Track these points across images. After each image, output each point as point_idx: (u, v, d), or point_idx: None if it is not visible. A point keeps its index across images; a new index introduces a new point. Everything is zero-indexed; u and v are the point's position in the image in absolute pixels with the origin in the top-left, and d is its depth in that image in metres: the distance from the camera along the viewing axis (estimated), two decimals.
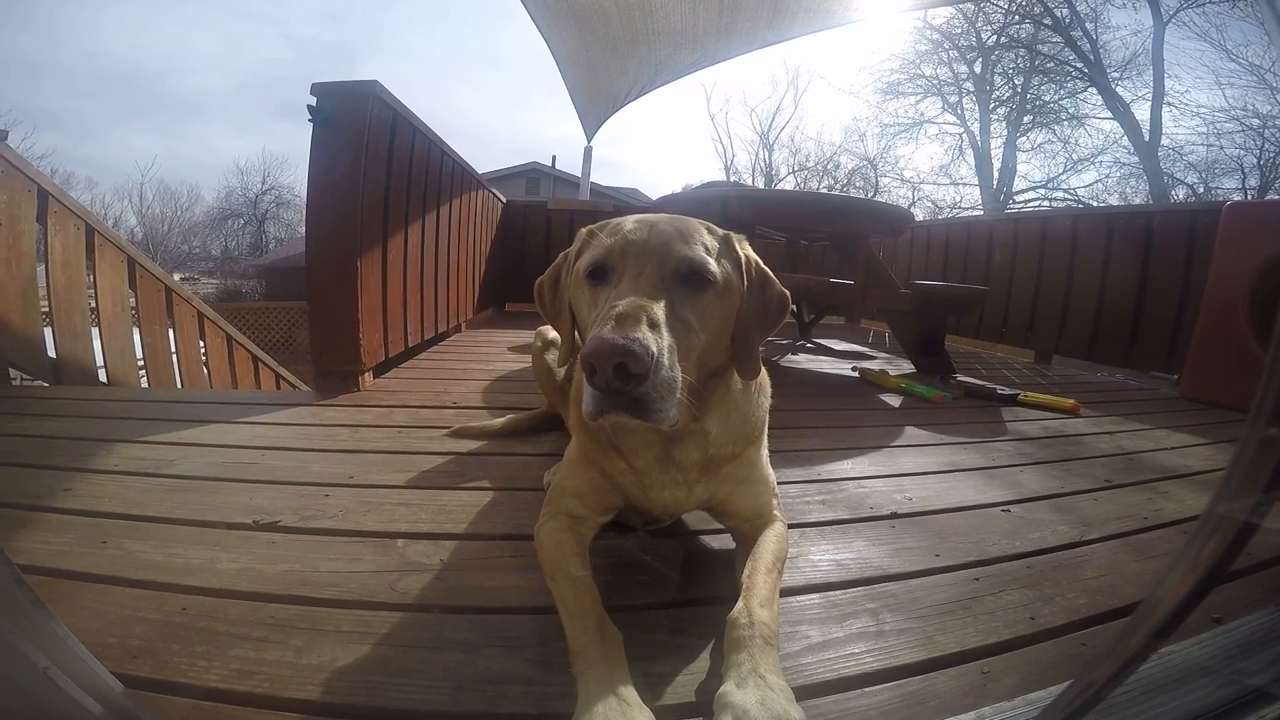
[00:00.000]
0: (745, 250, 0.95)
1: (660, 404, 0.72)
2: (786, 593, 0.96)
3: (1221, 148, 16.78)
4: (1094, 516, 1.38)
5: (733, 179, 25.62)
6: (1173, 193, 17.34)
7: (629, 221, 0.89)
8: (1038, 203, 20.54)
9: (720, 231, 0.94)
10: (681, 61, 8.00)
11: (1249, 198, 15.01)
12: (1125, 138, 18.27)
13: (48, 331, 2.52)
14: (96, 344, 2.76)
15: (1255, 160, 16.34)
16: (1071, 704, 0.51)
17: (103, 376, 2.76)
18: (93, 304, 2.84)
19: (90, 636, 0.75)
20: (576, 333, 0.97)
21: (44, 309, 2.54)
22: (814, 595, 0.99)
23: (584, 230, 0.96)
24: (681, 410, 0.76)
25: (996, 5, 18.37)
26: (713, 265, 0.85)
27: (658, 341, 0.72)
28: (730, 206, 2.89)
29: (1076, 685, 0.51)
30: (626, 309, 0.73)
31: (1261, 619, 0.88)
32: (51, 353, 2.49)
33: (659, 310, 0.75)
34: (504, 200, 5.37)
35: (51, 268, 2.56)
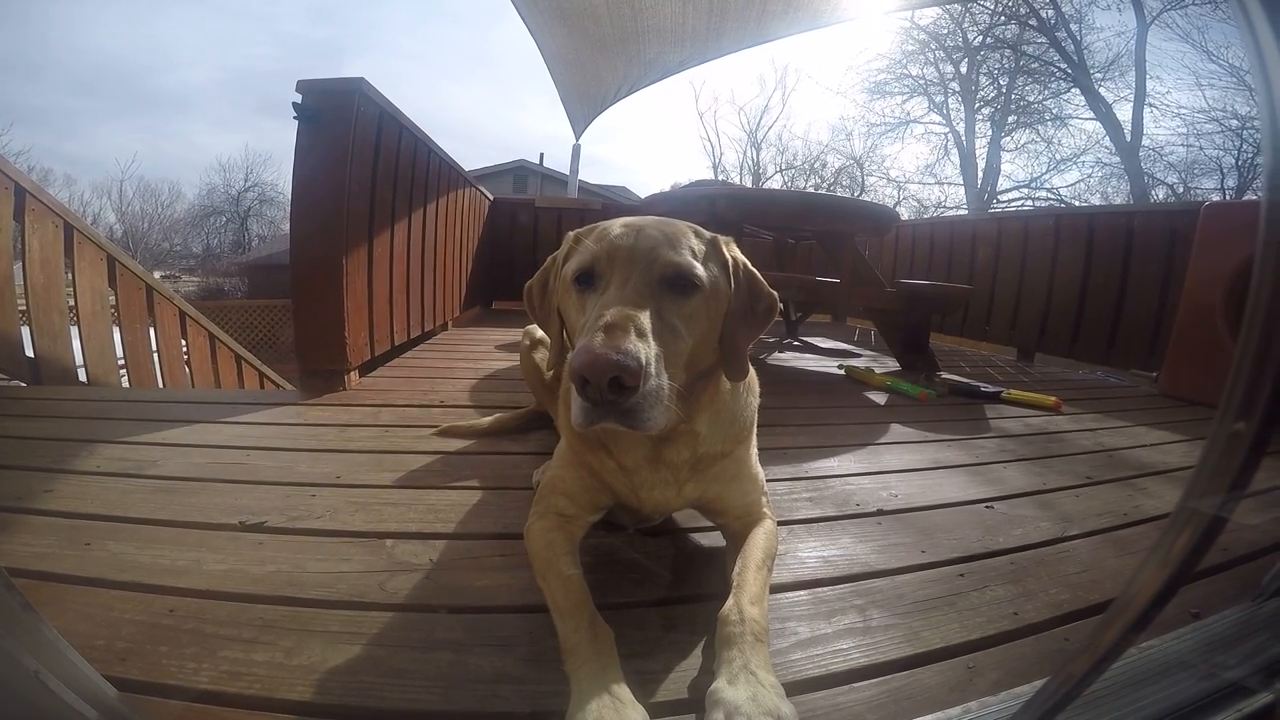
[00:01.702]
0: (732, 252, 0.95)
1: (649, 412, 0.73)
2: (775, 589, 0.97)
3: (1201, 148, 17.15)
4: (1075, 513, 1.41)
5: (721, 177, 25.66)
6: (1153, 193, 17.66)
7: (615, 226, 0.89)
8: (1021, 202, 20.81)
9: (707, 234, 0.94)
10: (670, 60, 8.00)
11: (1227, 198, 15.31)
12: (1107, 138, 18.58)
13: (25, 330, 2.48)
14: (76, 343, 2.71)
15: (1234, 161, 16.71)
16: (1050, 698, 0.52)
17: (82, 376, 2.71)
18: (72, 302, 2.79)
19: (77, 639, 0.74)
20: (566, 335, 0.98)
21: (21, 308, 2.50)
22: (802, 592, 1.00)
23: (571, 234, 0.96)
24: (668, 415, 0.77)
25: (983, 6, 18.55)
26: (699, 270, 0.86)
27: (646, 351, 0.73)
28: (718, 205, 2.90)
29: (1055, 680, 0.52)
30: (614, 319, 0.74)
31: (1238, 614, 0.90)
32: (30, 352, 2.45)
33: (646, 319, 0.76)
34: (491, 198, 5.34)
35: (29, 266, 2.51)
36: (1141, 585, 0.45)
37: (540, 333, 1.54)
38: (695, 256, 0.87)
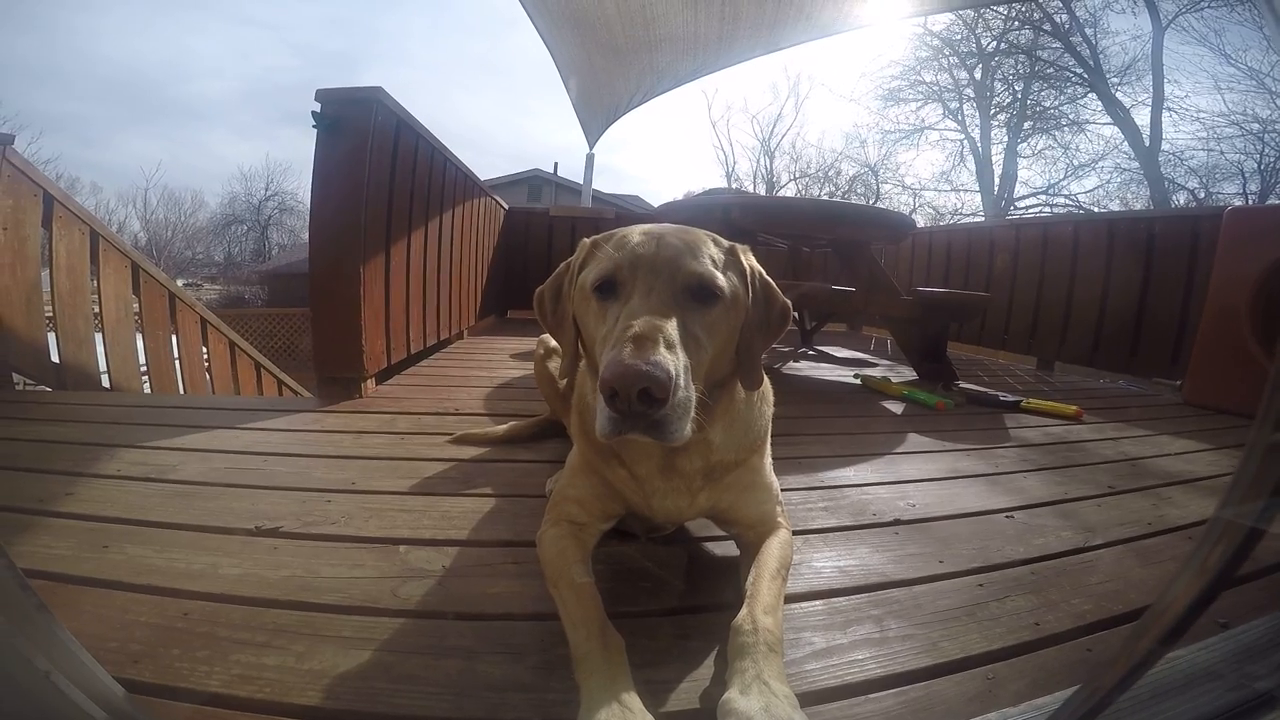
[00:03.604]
0: (749, 261, 0.94)
1: (677, 424, 0.73)
2: (790, 599, 0.96)
3: (1222, 153, 16.88)
4: (1098, 522, 1.38)
5: (734, 186, 25.69)
6: (1174, 198, 17.40)
7: (635, 234, 0.89)
8: (1039, 209, 20.58)
9: (725, 243, 0.94)
10: (683, 68, 8.04)
11: (1250, 203, 15.04)
12: (1126, 143, 18.38)
13: (51, 336, 2.53)
14: (100, 349, 2.77)
15: (1256, 165, 16.43)
16: (1079, 709, 0.50)
17: (105, 381, 2.77)
18: (96, 309, 2.85)
19: (92, 641, 0.75)
20: (580, 344, 0.97)
21: (48, 314, 2.55)
22: (818, 601, 0.99)
23: (587, 241, 0.96)
24: (693, 426, 0.76)
25: (996, 11, 18.44)
26: (721, 279, 0.85)
27: (675, 363, 0.72)
28: (732, 214, 2.90)
29: (1084, 690, 0.51)
30: (644, 330, 0.73)
31: (1268, 623, 0.88)
32: (55, 357, 2.50)
33: (673, 330, 0.76)
34: (506, 207, 5.38)
35: (56, 272, 2.57)
36: (1176, 595, 0.43)
37: (554, 342, 1.54)
38: (716, 265, 0.87)
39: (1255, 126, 16.10)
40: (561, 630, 0.81)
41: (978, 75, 20.77)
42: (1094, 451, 2.01)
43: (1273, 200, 16.29)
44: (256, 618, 0.88)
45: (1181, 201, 17.13)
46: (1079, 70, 18.40)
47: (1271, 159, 15.97)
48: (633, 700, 0.67)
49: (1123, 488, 1.62)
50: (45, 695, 0.47)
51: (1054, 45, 18.68)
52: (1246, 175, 16.69)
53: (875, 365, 3.72)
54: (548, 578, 0.91)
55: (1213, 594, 0.43)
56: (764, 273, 0.97)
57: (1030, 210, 20.68)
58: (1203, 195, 17.20)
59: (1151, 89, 17.31)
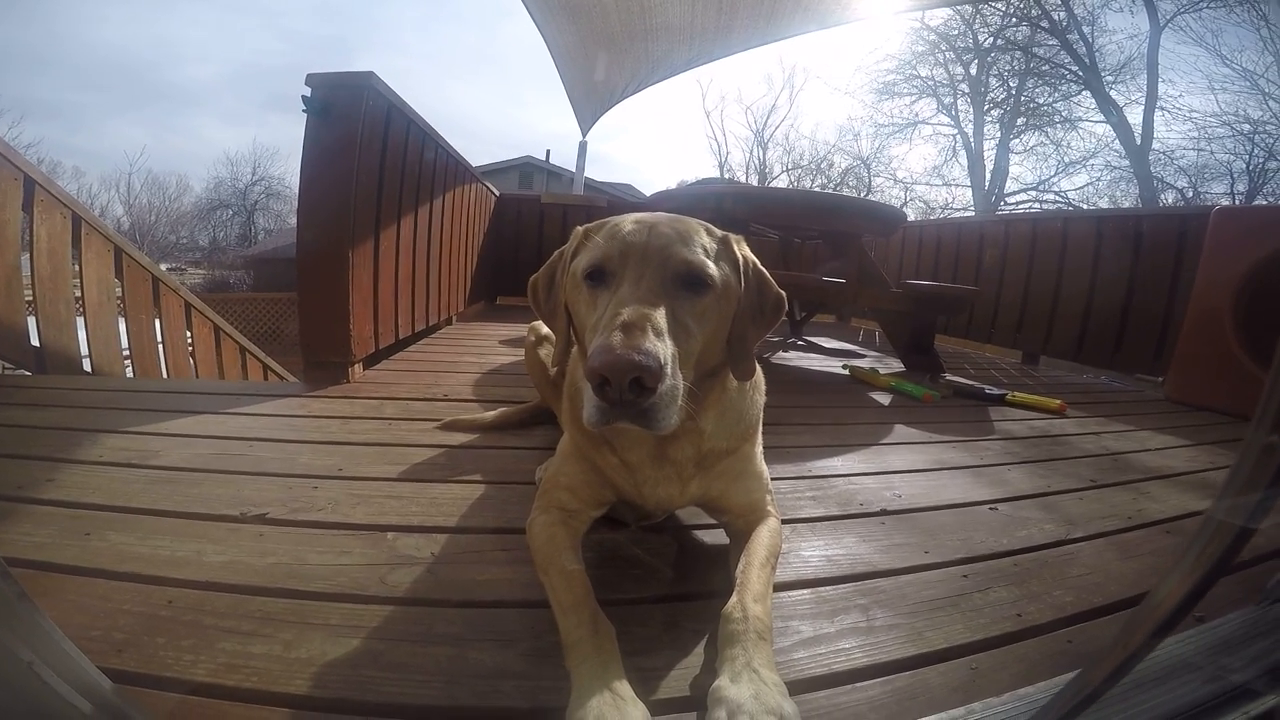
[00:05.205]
0: (743, 251, 0.94)
1: (665, 412, 0.73)
2: (778, 588, 0.96)
3: (1212, 153, 17.01)
4: (1079, 515, 1.40)
5: (727, 176, 25.61)
6: (1162, 197, 17.53)
7: (627, 222, 0.88)
8: (1029, 204, 20.68)
9: (719, 233, 0.94)
10: (678, 58, 7.99)
11: (1237, 203, 15.21)
12: (1117, 141, 18.45)
13: (31, 320, 2.48)
14: (81, 333, 2.72)
15: (1244, 166, 16.58)
16: (1073, 699, 0.51)
17: (87, 366, 2.72)
18: (78, 293, 2.80)
19: (74, 630, 0.74)
20: (573, 331, 0.97)
21: (28, 298, 2.50)
22: (805, 590, 1.00)
23: (580, 229, 0.95)
24: (681, 415, 0.76)
25: (994, 7, 18.42)
26: (712, 269, 0.85)
27: (664, 351, 0.72)
28: (725, 203, 2.90)
29: (1077, 682, 0.52)
30: (632, 318, 0.73)
31: (1244, 616, 0.89)
32: (35, 341, 2.45)
33: (662, 318, 0.75)
34: (497, 194, 5.33)
35: (37, 256, 2.51)
36: (1170, 589, 0.44)
37: (545, 329, 1.53)
38: (708, 255, 0.87)
39: (1246, 127, 16.25)
40: (552, 617, 0.81)
41: (973, 71, 20.77)
42: (1077, 445, 2.04)
43: (1260, 201, 16.48)
44: (243, 606, 0.87)
45: (1170, 200, 17.27)
46: (1074, 68, 18.44)
47: (1261, 160, 16.15)
48: (623, 687, 0.68)
49: (1104, 482, 1.65)
50: (28, 687, 0.46)
51: (1051, 42, 18.70)
52: (1235, 175, 16.86)
53: (863, 356, 3.73)
54: (538, 565, 0.91)
55: (1205, 588, 0.43)
56: (758, 263, 0.96)
57: (1020, 206, 20.80)
58: (1191, 195, 17.37)
59: (1146, 88, 17.40)
